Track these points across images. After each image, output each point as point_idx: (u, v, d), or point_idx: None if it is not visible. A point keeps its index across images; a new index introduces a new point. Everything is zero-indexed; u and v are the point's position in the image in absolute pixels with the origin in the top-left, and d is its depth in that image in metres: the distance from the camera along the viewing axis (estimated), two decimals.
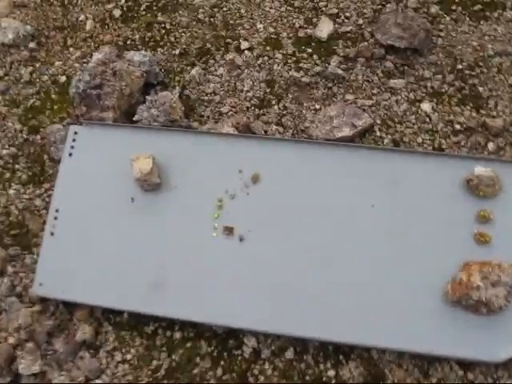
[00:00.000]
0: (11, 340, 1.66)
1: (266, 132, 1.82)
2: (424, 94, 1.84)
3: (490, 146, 1.74)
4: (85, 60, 2.11)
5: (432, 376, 1.51)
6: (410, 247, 1.57)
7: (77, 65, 2.12)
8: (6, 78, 2.17)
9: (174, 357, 1.62)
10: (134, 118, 1.84)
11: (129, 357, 1.64)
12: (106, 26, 2.18)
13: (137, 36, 2.12)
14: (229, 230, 1.64)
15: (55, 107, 2.05)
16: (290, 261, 1.59)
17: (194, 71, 1.98)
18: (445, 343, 1.48)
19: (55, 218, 1.75)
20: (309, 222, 1.62)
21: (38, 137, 2.01)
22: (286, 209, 1.64)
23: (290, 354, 1.58)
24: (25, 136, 2.03)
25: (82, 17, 2.22)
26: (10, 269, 1.79)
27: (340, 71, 1.88)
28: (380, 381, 1.52)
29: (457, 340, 1.47)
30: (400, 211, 1.60)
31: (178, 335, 1.64)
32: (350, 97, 1.85)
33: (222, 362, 1.59)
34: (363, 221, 1.60)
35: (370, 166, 1.65)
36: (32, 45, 2.20)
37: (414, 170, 1.64)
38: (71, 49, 2.17)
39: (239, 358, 1.59)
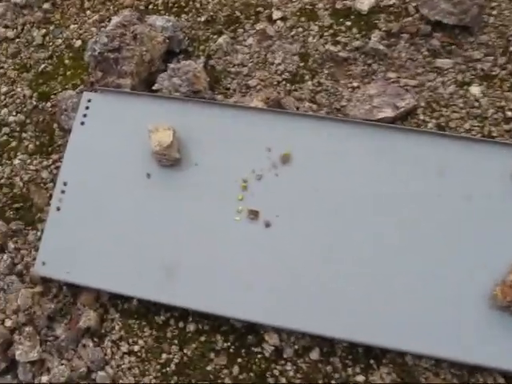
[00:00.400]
0: (8, 323, 1.52)
1: (297, 109, 1.66)
2: (473, 77, 1.67)
3: None
4: (102, 24, 1.96)
5: None
6: (455, 243, 1.40)
7: (93, 29, 1.96)
8: (17, 40, 2.03)
9: (186, 351, 1.48)
10: (153, 87, 1.68)
11: (136, 348, 1.50)
12: None
13: (160, 0, 1.96)
14: (254, 214, 1.48)
15: (68, 73, 1.89)
16: (322, 253, 1.43)
17: (221, 40, 1.81)
18: (489, 352, 1.31)
19: (62, 192, 1.60)
20: (343, 210, 1.46)
21: (49, 104, 1.86)
22: (319, 193, 1.48)
23: (315, 354, 1.42)
24: (34, 103, 1.88)
25: None
26: (11, 245, 1.66)
27: (381, 47, 1.71)
28: None
29: (503, 349, 1.31)
30: (445, 203, 1.43)
31: (191, 327, 1.49)
32: (392, 75, 1.68)
33: (240, 360, 1.44)
34: (405, 212, 1.44)
35: (414, 151, 1.48)
36: (46, 6, 2.05)
37: (461, 157, 1.47)
38: (88, 12, 2.01)
39: (259, 356, 1.44)
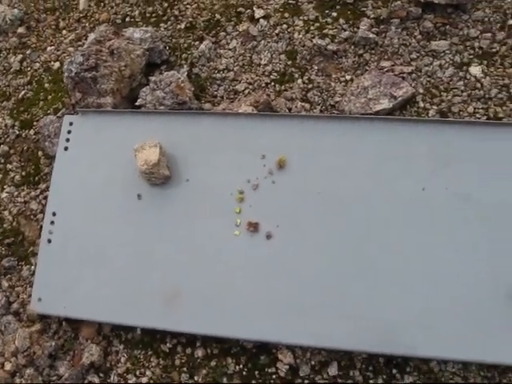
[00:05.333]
0: (8, 366, 1.45)
1: (290, 110, 1.57)
2: (472, 56, 1.57)
3: None
4: (80, 43, 1.88)
5: None
6: (468, 236, 1.30)
7: (71, 49, 1.88)
8: None
9: (196, 378, 1.40)
10: (136, 103, 1.59)
11: (144, 380, 1.42)
12: (102, 4, 1.94)
13: (136, 12, 1.88)
14: (253, 227, 1.39)
15: (49, 97, 1.81)
16: (329, 261, 1.34)
17: (202, 46, 1.72)
18: None
19: (52, 223, 1.52)
20: (348, 213, 1.37)
21: (32, 132, 1.79)
22: (320, 197, 1.39)
23: (333, 369, 1.34)
24: (17, 132, 1.81)
25: None
26: (4, 283, 1.59)
27: (372, 35, 1.62)
28: None
29: None
30: (456, 194, 1.33)
31: (200, 353, 1.40)
32: (385, 64, 1.59)
33: (254, 382, 1.35)
34: (413, 208, 1.34)
35: (417, 143, 1.39)
36: (21, 30, 1.98)
37: (468, 144, 1.37)
38: (64, 31, 1.94)
39: (274, 376, 1.36)
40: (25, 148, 1.77)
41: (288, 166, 1.43)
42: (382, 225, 1.34)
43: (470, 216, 1.31)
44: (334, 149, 1.42)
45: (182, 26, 1.80)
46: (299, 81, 1.62)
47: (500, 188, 1.32)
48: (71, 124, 1.60)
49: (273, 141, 1.45)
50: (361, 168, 1.39)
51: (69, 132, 1.59)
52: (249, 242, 1.39)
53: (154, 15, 1.85)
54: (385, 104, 1.49)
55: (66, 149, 1.58)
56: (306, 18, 1.70)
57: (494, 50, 1.57)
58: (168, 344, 1.43)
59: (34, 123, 1.78)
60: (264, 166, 1.44)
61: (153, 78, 1.60)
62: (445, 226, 1.32)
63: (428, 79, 1.56)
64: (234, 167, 1.45)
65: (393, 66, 1.58)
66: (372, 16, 1.66)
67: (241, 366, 1.38)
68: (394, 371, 1.31)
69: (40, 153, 1.73)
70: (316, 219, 1.37)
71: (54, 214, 1.53)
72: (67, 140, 1.58)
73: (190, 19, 1.80)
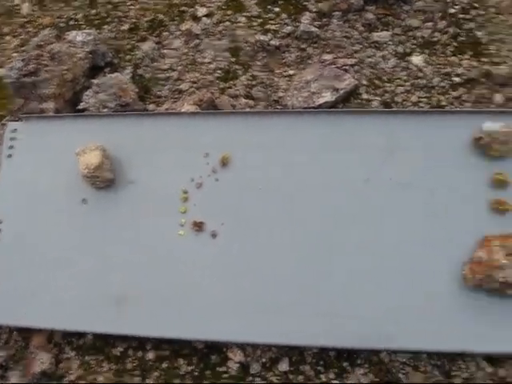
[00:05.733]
0: None
1: (234, 107, 1.56)
2: (414, 46, 1.58)
3: (497, 97, 1.49)
4: (24, 48, 1.84)
5: (456, 376, 1.26)
6: (414, 226, 1.31)
7: (15, 54, 1.86)
8: None
9: (149, 381, 1.38)
10: (79, 107, 1.57)
11: None
12: (45, 8, 1.91)
13: (80, 15, 1.86)
14: (198, 226, 1.38)
15: None
16: (277, 257, 1.34)
17: (146, 46, 1.70)
18: (468, 337, 1.22)
19: None
20: (294, 208, 1.36)
21: None
22: (265, 194, 1.39)
23: (284, 365, 1.33)
24: None
25: (16, 0, 1.95)
26: None
27: (314, 29, 1.62)
28: None
29: (482, 332, 1.22)
30: (400, 183, 1.34)
31: (151, 355, 1.40)
32: (327, 57, 1.59)
33: (206, 382, 1.35)
34: (358, 199, 1.34)
35: (361, 134, 1.39)
36: None
37: (411, 133, 1.38)
38: (8, 37, 1.91)
39: (225, 375, 1.35)
40: None
41: (232, 164, 1.42)
42: (325, 218, 1.35)
43: (414, 205, 1.32)
44: (278, 144, 1.42)
45: (126, 27, 1.78)
46: (243, 77, 1.62)
47: (444, 175, 1.33)
48: (14, 131, 1.57)
49: (216, 139, 1.44)
50: (305, 162, 1.39)
51: (12, 139, 1.57)
52: (194, 242, 1.38)
53: (97, 17, 1.83)
54: (327, 97, 1.49)
55: (9, 156, 1.56)
56: (248, 14, 1.70)
57: (435, 39, 1.58)
58: (119, 348, 1.41)
59: None
60: (207, 164, 1.43)
61: (95, 81, 1.58)
62: (388, 216, 1.32)
63: (371, 70, 1.56)
64: (177, 166, 1.44)
65: (335, 58, 1.58)
66: (314, 10, 1.66)
67: (192, 366, 1.37)
68: (345, 364, 1.31)
69: None
70: (261, 216, 1.37)
71: (0, 222, 1.50)
72: (11, 147, 1.56)
73: (134, 20, 1.79)
